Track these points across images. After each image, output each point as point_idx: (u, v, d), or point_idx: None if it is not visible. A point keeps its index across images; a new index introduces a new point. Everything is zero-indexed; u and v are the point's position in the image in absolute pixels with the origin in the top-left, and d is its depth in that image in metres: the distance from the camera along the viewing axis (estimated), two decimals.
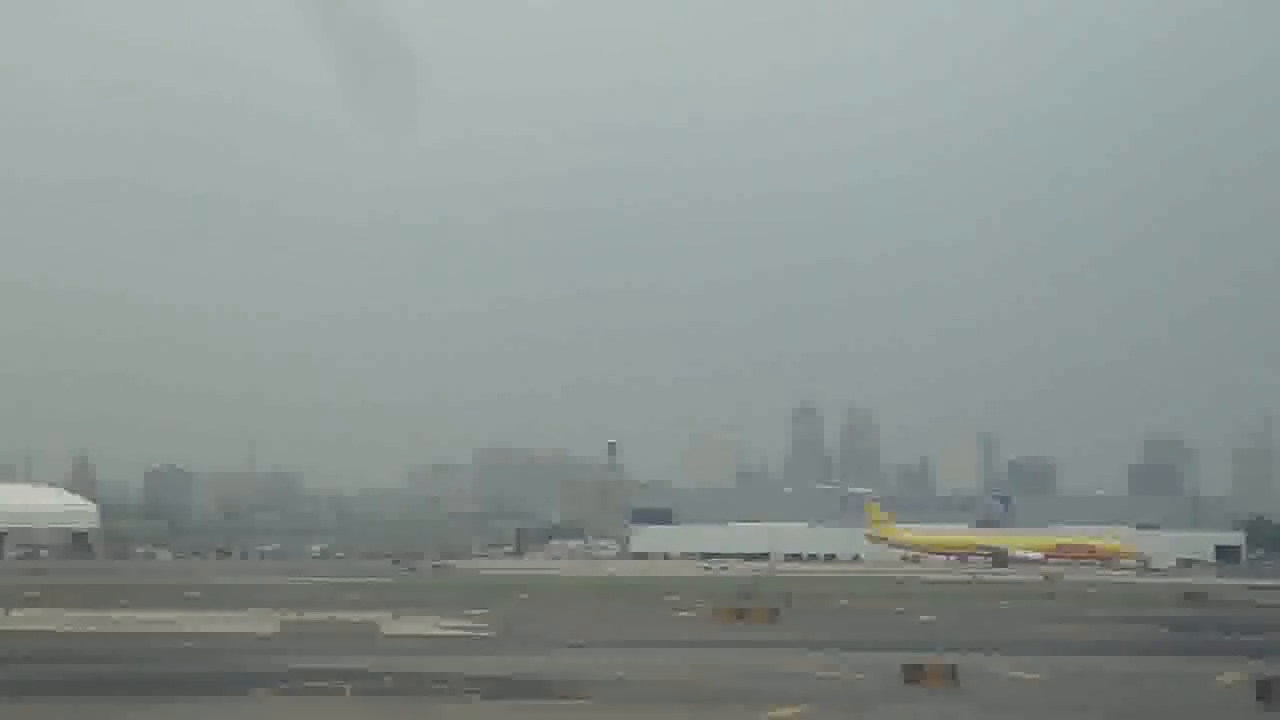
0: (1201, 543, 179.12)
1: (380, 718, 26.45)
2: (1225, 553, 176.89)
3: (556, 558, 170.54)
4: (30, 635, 43.42)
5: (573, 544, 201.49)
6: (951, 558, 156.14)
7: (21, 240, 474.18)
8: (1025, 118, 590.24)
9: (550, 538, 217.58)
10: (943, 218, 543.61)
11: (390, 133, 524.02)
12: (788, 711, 26.75)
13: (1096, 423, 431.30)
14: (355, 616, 50.03)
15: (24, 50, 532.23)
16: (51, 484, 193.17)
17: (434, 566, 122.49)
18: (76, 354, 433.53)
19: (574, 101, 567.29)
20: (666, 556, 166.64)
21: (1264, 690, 28.57)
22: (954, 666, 31.67)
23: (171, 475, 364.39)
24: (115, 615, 51.25)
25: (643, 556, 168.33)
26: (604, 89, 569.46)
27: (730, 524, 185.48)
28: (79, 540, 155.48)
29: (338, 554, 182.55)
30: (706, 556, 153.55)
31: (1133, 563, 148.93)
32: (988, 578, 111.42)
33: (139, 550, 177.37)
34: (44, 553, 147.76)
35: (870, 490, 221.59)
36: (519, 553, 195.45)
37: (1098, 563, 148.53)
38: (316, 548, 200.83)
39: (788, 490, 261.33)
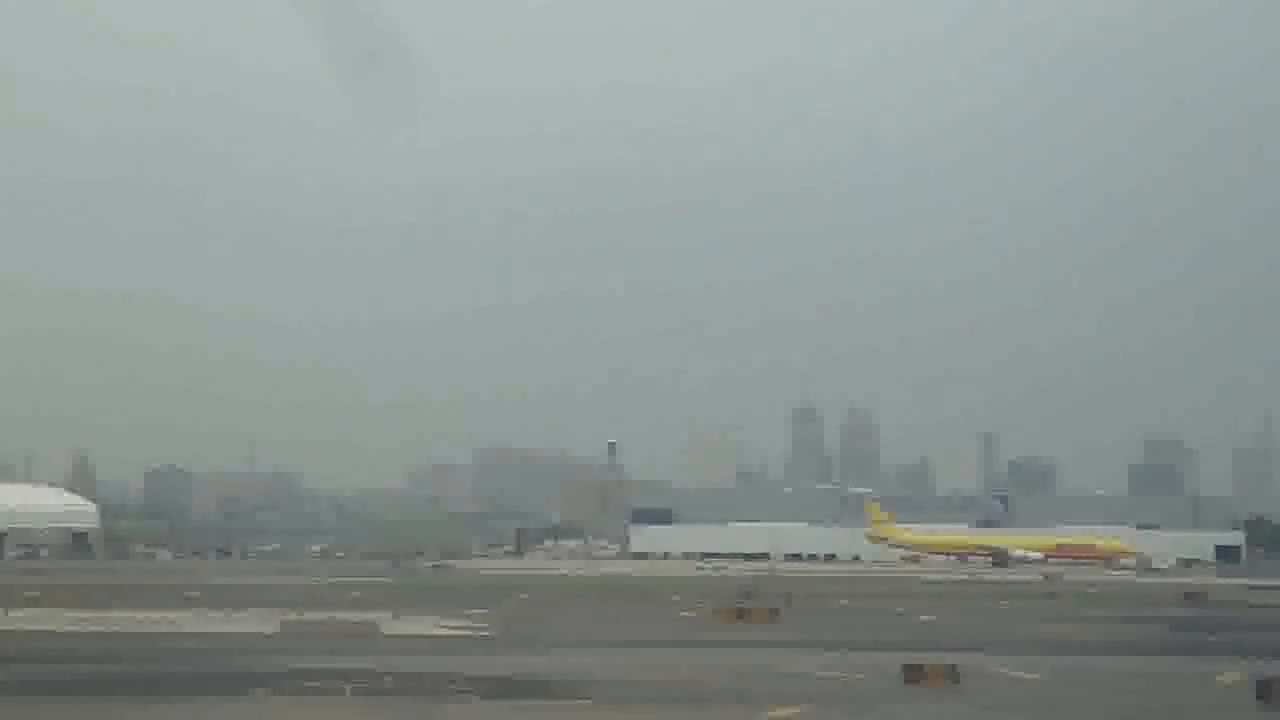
0: (1201, 543, 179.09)
1: (380, 718, 26.45)
2: (1225, 553, 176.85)
3: (556, 558, 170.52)
4: (30, 635, 43.43)
5: (572, 544, 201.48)
6: (951, 558, 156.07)
7: (21, 241, 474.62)
8: (1025, 119, 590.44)
9: (550, 538, 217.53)
10: (943, 219, 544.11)
11: (390, 133, 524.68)
12: (788, 711, 26.75)
13: (1096, 423, 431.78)
14: (355, 616, 50.03)
15: (23, 50, 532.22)
16: (51, 484, 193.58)
17: (434, 566, 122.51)
18: (77, 354, 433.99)
19: (573, 102, 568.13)
20: (666, 556, 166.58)
21: (1264, 690, 28.57)
22: (954, 666, 31.68)
23: (171, 475, 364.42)
24: (115, 615, 51.27)
25: (643, 556, 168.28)
26: (604, 89, 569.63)
27: (730, 524, 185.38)
28: (79, 540, 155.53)
29: (338, 554, 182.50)
30: (706, 556, 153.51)
31: (1133, 563, 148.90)
32: (988, 578, 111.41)
33: (139, 550, 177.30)
34: (44, 553, 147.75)
35: (870, 490, 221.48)
36: (519, 553, 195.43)
37: (1098, 563, 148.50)
38: (316, 548, 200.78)
39: (788, 490, 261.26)
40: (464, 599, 64.82)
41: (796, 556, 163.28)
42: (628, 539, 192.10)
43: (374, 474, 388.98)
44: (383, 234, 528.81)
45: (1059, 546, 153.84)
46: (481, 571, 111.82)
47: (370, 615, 50.31)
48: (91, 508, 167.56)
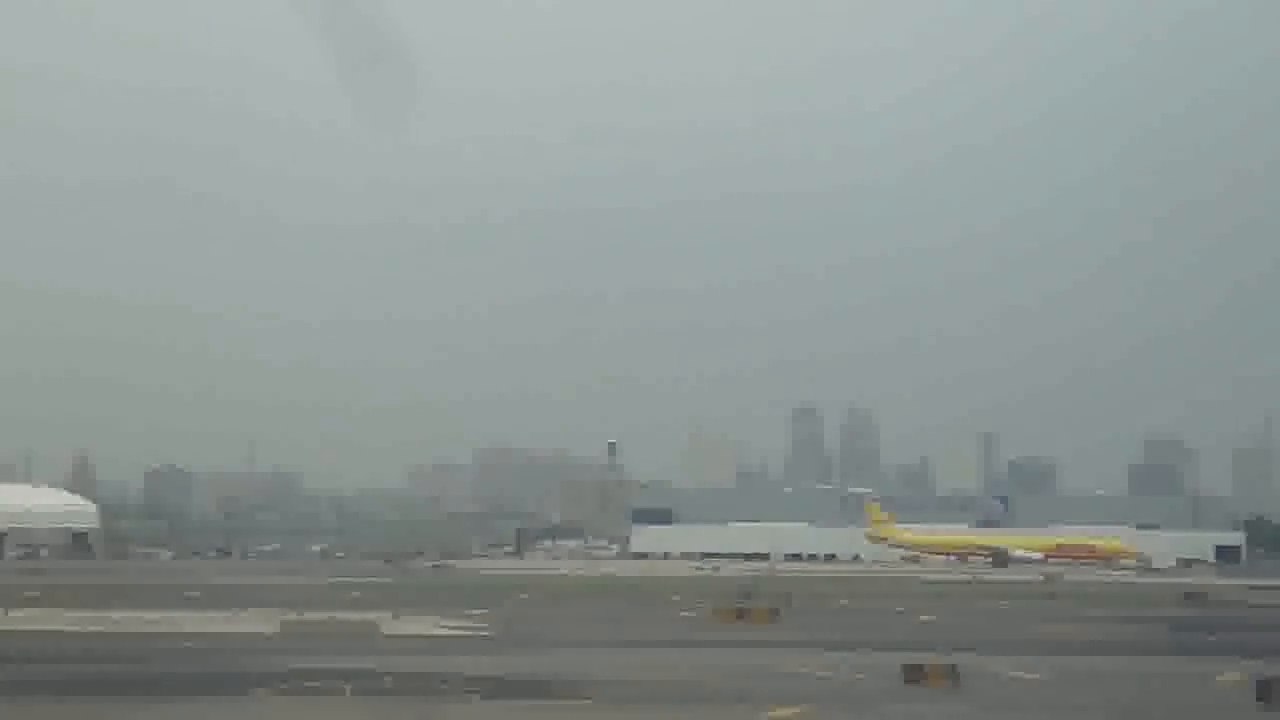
0: (1201, 543, 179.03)
1: (380, 718, 26.45)
2: (1225, 553, 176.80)
3: (556, 558, 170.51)
4: (30, 635, 43.43)
5: (572, 544, 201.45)
6: (951, 558, 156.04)
7: (21, 241, 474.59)
8: (1026, 120, 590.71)
9: (550, 538, 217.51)
10: (943, 218, 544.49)
11: (390, 132, 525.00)
12: (788, 711, 26.75)
13: (1096, 423, 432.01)
14: (355, 616, 50.03)
15: (23, 50, 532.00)
16: (51, 484, 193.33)
17: (434, 566, 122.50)
18: (77, 355, 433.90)
19: (573, 102, 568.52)
20: (666, 556, 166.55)
21: (1264, 690, 28.56)
22: (954, 666, 31.67)
23: (171, 475, 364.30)
24: (115, 615, 51.26)
25: (643, 556, 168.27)
26: (604, 89, 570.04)
27: (730, 524, 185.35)
28: (79, 540, 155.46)
29: (338, 554, 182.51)
30: (706, 556, 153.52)
31: (1133, 563, 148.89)
32: (988, 578, 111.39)
33: (139, 550, 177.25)
34: (44, 553, 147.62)
35: (870, 490, 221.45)
36: (519, 553, 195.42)
37: (1098, 563, 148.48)
38: (316, 548, 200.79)
39: (788, 490, 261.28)
40: (464, 599, 64.82)
41: (796, 556, 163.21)
42: (628, 539, 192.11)
43: (374, 474, 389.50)
44: (382, 234, 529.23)
45: (1059, 547, 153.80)
46: (481, 571, 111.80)
47: (370, 615, 50.30)
48: (91, 508, 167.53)
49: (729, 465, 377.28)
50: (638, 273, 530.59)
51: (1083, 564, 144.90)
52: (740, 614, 53.10)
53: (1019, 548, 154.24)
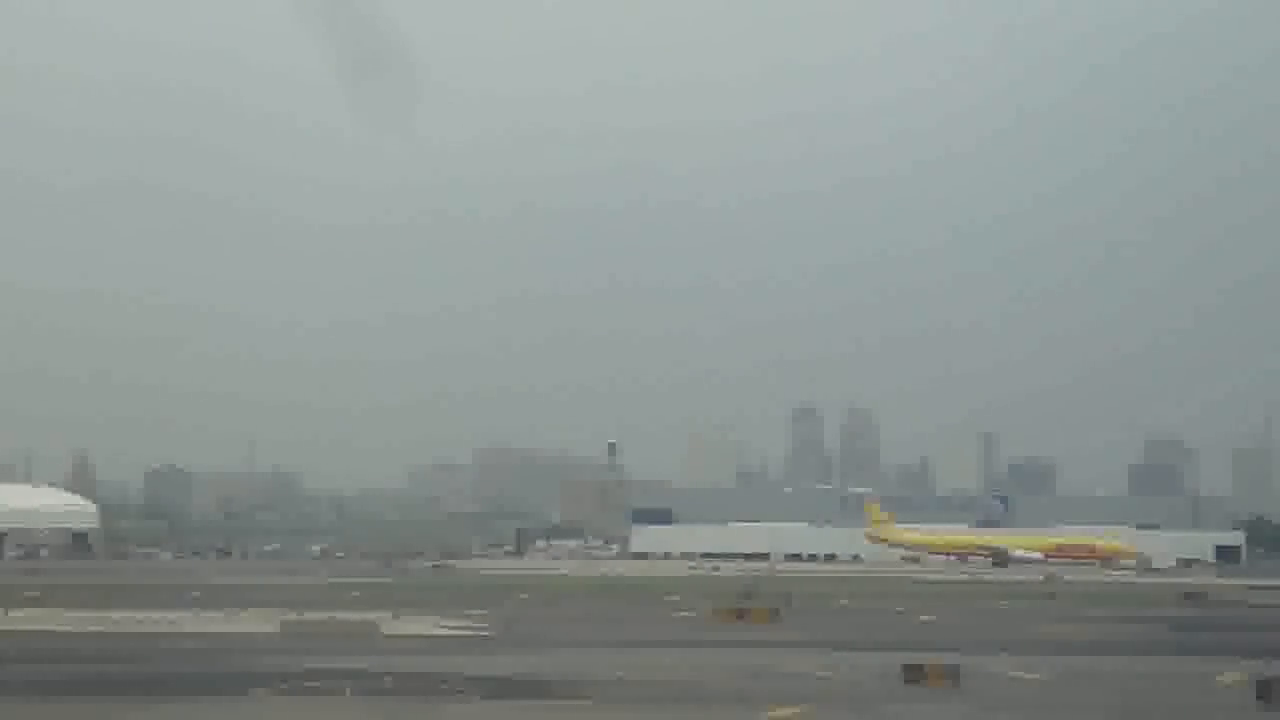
0: (1201, 543, 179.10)
1: (380, 718, 26.44)
2: (1225, 553, 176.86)
3: (556, 558, 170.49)
4: (30, 635, 43.42)
5: (572, 544, 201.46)
6: (951, 558, 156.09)
7: (22, 240, 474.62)
8: (1025, 119, 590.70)
9: (550, 538, 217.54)
10: (943, 218, 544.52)
11: (390, 132, 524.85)
12: (788, 711, 26.74)
13: (1096, 423, 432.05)
14: (355, 616, 50.02)
15: (22, 49, 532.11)
16: (51, 484, 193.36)
17: (434, 566, 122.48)
18: (77, 354, 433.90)
19: (573, 101, 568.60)
20: (667, 556, 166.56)
21: (1264, 690, 28.57)
22: (954, 666, 31.66)
23: (171, 475, 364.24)
24: (115, 615, 51.24)
25: (643, 556, 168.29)
26: (604, 89, 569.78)
27: (730, 524, 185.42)
28: (79, 540, 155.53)
29: (338, 554, 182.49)
30: (705, 556, 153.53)
31: (1133, 563, 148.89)
32: (988, 578, 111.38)
33: (139, 550, 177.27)
34: (44, 553, 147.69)
35: (870, 490, 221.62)
36: (519, 553, 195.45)
37: (1098, 563, 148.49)
38: (316, 548, 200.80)
39: (788, 490, 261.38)
40: (464, 599, 64.80)
41: (796, 556, 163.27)
42: (628, 539, 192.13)
43: (374, 474, 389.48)
44: (382, 233, 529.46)
45: (1059, 546, 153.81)
46: (481, 571, 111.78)
47: (370, 615, 50.29)
48: (91, 508, 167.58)
49: (729, 465, 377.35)
50: (638, 272, 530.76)
51: (1083, 564, 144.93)
52: (740, 614, 53.08)
53: (1019, 548, 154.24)
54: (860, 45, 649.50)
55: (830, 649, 40.47)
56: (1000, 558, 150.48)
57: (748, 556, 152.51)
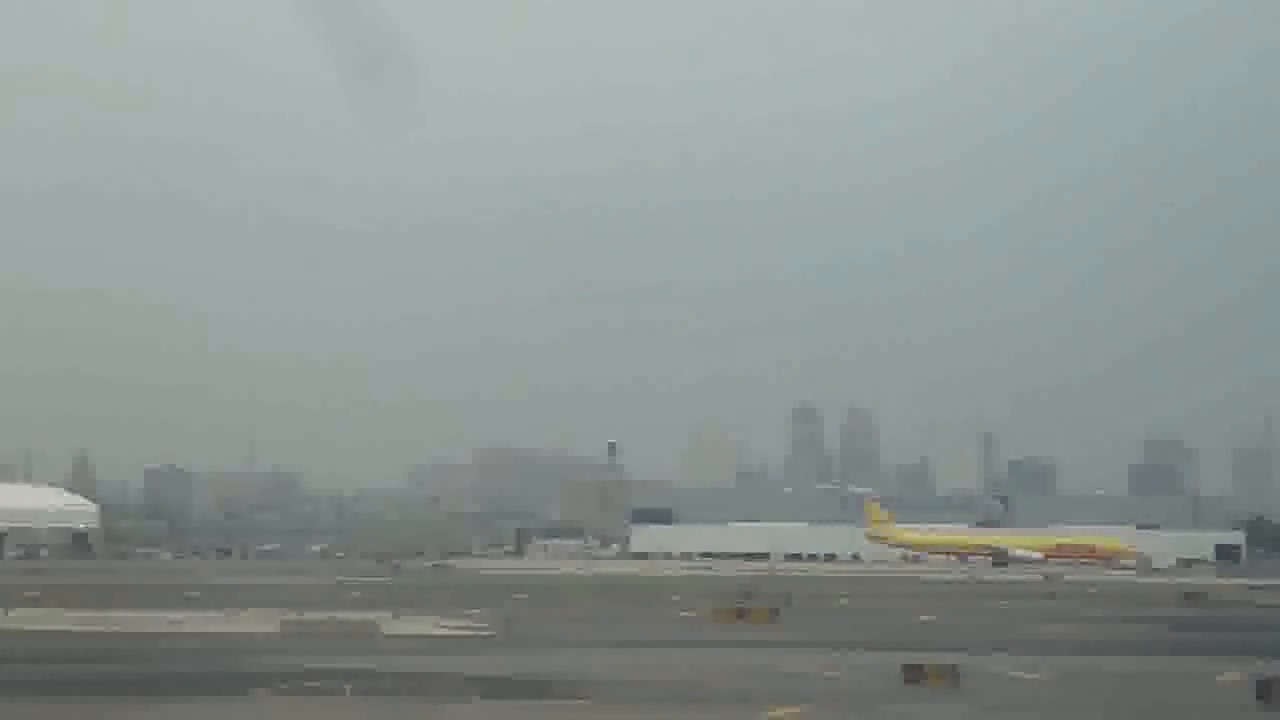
0: (1201, 543, 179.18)
1: (380, 718, 26.45)
2: (1225, 552, 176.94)
3: (556, 558, 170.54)
4: (30, 635, 43.41)
5: (572, 544, 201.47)
6: (951, 558, 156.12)
7: (23, 241, 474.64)
8: (1025, 119, 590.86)
9: (551, 538, 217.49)
10: (944, 218, 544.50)
11: (390, 133, 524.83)
12: (787, 711, 26.74)
13: (1096, 423, 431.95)
14: (355, 616, 50.00)
15: (22, 50, 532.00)
16: (51, 484, 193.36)
17: (434, 566, 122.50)
18: (77, 354, 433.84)
19: (573, 101, 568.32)
20: (667, 556, 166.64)
21: (1264, 690, 28.56)
22: (954, 666, 31.66)
23: (171, 475, 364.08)
24: (115, 615, 51.22)
25: (643, 556, 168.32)
26: (604, 89, 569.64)
27: (730, 524, 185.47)
28: (79, 540, 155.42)
29: (338, 554, 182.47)
30: (706, 557, 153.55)
31: (1133, 563, 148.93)
32: (988, 578, 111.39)
33: (139, 550, 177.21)
34: (44, 553, 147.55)
35: (870, 490, 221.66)
36: (519, 553, 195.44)
37: (1098, 563, 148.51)
38: (316, 548, 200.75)
39: (788, 490, 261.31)
40: (464, 599, 64.79)
41: (796, 556, 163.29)
42: (628, 539, 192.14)
43: (374, 474, 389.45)
44: (382, 233, 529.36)
45: (1059, 546, 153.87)
46: (481, 571, 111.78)
47: (370, 615, 50.28)
48: (92, 507, 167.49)
49: (729, 465, 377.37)
50: (638, 272, 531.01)
51: (1083, 564, 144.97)
52: (740, 614, 53.06)
53: (1019, 548, 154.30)
54: (859, 47, 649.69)
55: (830, 649, 40.46)
56: (1000, 558, 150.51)
57: (748, 556, 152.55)
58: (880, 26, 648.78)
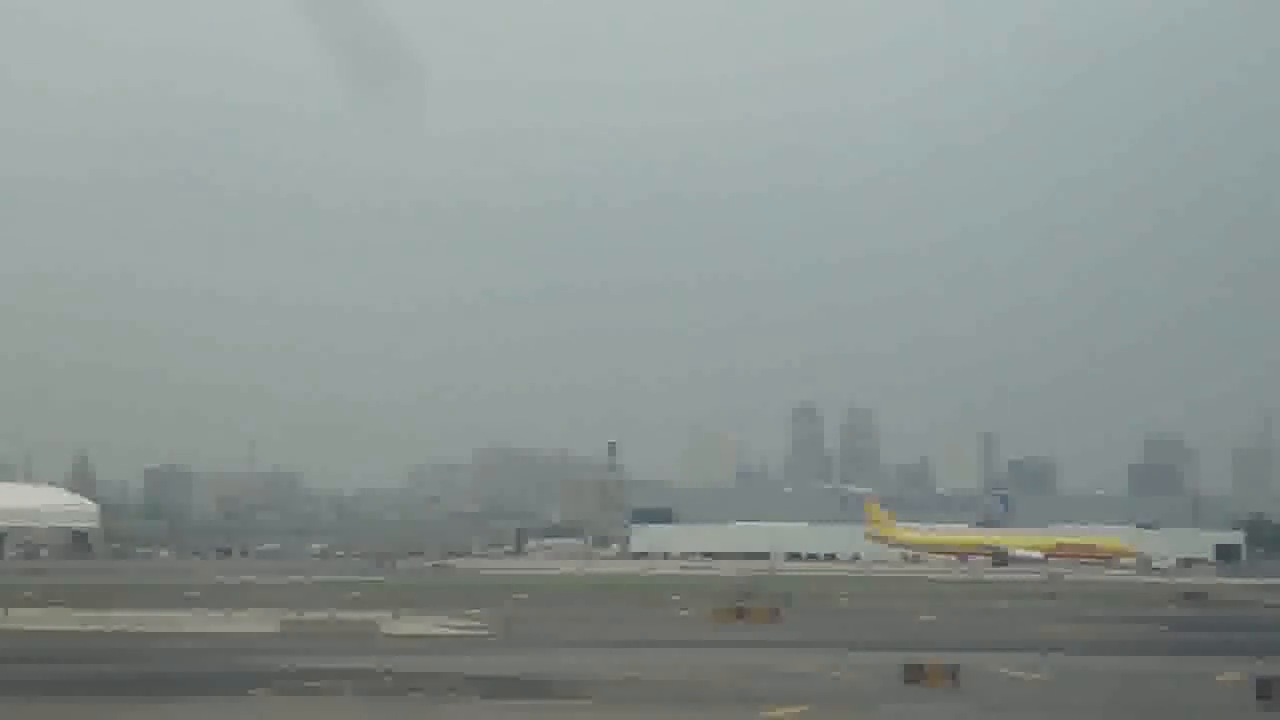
0: (1201, 542, 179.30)
1: (380, 718, 26.45)
2: (1225, 552, 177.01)
3: (557, 557, 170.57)
4: (30, 635, 43.41)
5: (572, 544, 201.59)
6: (952, 557, 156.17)
7: (23, 240, 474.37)
8: (1024, 118, 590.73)
9: (551, 538, 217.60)
10: (944, 218, 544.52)
11: (392, 127, 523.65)
12: (787, 711, 26.73)
13: (1096, 423, 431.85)
14: (355, 616, 50.00)
15: (21, 51, 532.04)
16: (51, 484, 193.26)
17: (434, 566, 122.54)
18: (77, 354, 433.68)
19: (575, 97, 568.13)
20: (667, 556, 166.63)
21: (1264, 690, 28.55)
22: (954, 666, 31.65)
23: (172, 475, 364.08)
24: (115, 615, 51.21)
25: (643, 556, 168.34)
26: (605, 86, 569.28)
27: (730, 524, 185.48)
28: (79, 540, 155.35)
29: (338, 554, 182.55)
30: (706, 556, 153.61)
31: (1133, 562, 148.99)
32: (988, 577, 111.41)
33: (139, 550, 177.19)
34: (44, 552, 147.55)
35: (870, 490, 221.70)
36: (519, 552, 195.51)
37: (1098, 562, 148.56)
38: (316, 547, 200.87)
39: (788, 490, 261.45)
40: (464, 599, 64.80)
41: (796, 556, 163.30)
42: (628, 539, 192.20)
43: (374, 474, 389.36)
44: (382, 231, 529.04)
45: (1059, 546, 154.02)
46: (481, 571, 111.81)
47: (370, 615, 50.28)
48: (92, 507, 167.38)
49: (729, 465, 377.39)
50: (638, 270, 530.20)
51: (1083, 563, 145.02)
52: (740, 614, 53.05)
53: (1019, 547, 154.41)
54: (858, 46, 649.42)
55: (830, 649, 40.46)
56: (1000, 557, 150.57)
57: (748, 556, 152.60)
58: (876, 27, 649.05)
